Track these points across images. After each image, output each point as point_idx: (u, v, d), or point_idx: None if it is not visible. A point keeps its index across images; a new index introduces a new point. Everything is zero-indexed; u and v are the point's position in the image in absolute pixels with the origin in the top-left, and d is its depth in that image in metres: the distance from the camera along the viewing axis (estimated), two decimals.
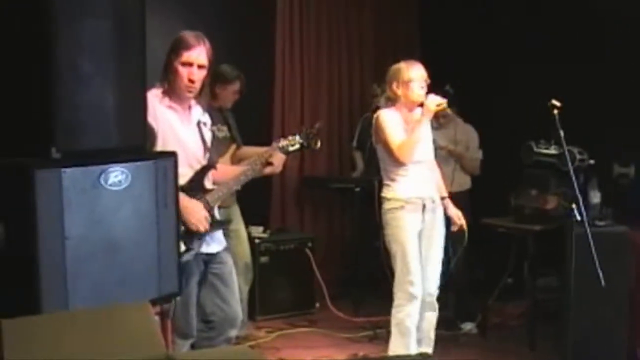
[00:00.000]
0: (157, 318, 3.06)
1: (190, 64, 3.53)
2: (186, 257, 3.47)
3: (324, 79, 6.87)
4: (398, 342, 4.32)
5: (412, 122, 4.35)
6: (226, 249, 3.80)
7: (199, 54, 3.54)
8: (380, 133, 4.36)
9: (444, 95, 4.39)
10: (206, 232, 3.56)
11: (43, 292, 2.63)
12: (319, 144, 4.02)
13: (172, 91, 3.59)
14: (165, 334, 3.29)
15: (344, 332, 5.52)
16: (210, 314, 3.71)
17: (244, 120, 5.48)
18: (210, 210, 3.61)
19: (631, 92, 5.34)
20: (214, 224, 3.65)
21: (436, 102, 4.30)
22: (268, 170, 3.85)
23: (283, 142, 3.89)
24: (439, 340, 4.58)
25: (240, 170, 3.81)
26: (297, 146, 3.91)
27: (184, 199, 3.38)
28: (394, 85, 4.39)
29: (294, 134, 3.95)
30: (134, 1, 3.03)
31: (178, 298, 3.39)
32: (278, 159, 3.85)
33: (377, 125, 4.38)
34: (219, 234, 3.74)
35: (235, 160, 5.02)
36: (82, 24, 2.81)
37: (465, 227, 4.52)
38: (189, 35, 3.57)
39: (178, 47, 3.54)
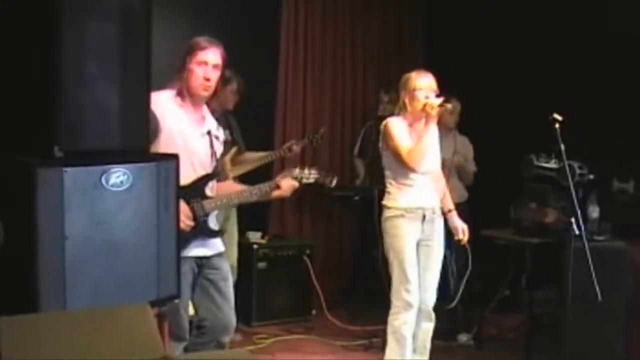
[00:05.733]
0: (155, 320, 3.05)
1: (205, 63, 3.61)
2: None
3: (328, 86, 6.87)
4: (394, 349, 4.32)
5: (418, 131, 4.35)
6: (221, 254, 3.79)
7: (214, 54, 3.64)
8: (389, 140, 4.36)
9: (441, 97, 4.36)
10: (193, 235, 3.57)
11: (41, 292, 2.63)
12: (334, 182, 4.07)
13: (186, 93, 3.65)
14: (162, 336, 3.28)
15: (339, 340, 5.52)
16: (203, 319, 3.72)
17: (245, 125, 5.51)
18: (204, 215, 3.62)
19: (632, 108, 5.35)
20: (205, 231, 3.66)
21: (433, 104, 4.26)
22: (276, 193, 3.87)
23: (299, 172, 3.92)
24: (434, 351, 4.57)
25: (246, 188, 3.84)
26: (311, 180, 3.95)
27: None
28: (402, 94, 4.41)
29: (311, 168, 3.99)
30: (140, 3, 3.03)
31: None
32: (286, 184, 3.86)
33: (386, 132, 4.38)
34: (215, 238, 3.75)
35: (236, 164, 5.03)
36: (88, 25, 2.82)
37: (466, 244, 4.53)
38: (202, 39, 3.67)
39: (193, 48, 3.64)
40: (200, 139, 3.68)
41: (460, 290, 4.81)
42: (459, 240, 4.51)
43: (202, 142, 3.68)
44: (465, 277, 4.71)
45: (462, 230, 4.51)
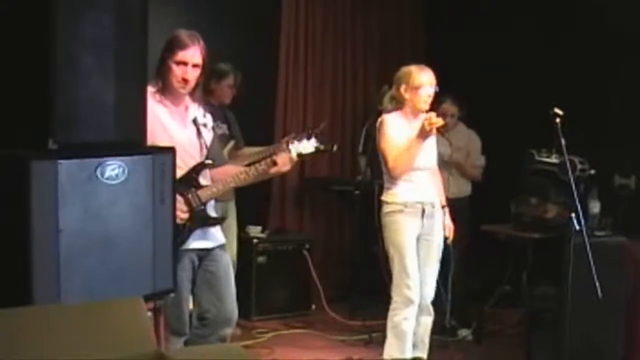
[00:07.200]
0: (149, 314, 3.04)
1: (184, 63, 3.54)
2: None
3: (328, 81, 6.87)
4: (393, 345, 4.31)
5: (415, 129, 4.30)
6: (223, 246, 3.77)
7: (193, 54, 3.55)
8: (382, 140, 4.33)
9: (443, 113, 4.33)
10: (193, 226, 3.54)
11: (35, 285, 2.61)
12: (335, 147, 3.96)
13: (165, 89, 3.60)
14: (157, 331, 3.27)
15: (339, 334, 5.51)
16: (205, 311, 3.69)
17: (245, 120, 5.49)
18: (202, 205, 3.58)
19: (634, 103, 5.32)
20: (205, 221, 3.62)
21: (432, 123, 4.12)
22: (274, 170, 3.70)
23: (295, 145, 3.76)
24: (433, 346, 4.56)
25: (242, 169, 3.74)
26: (310, 149, 3.79)
27: None
28: (402, 88, 4.34)
29: (306, 137, 3.82)
30: None
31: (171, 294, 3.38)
32: (282, 159, 3.70)
33: (380, 131, 4.36)
34: (215, 230, 3.71)
35: (233, 159, 5.00)
36: (84, 17, 2.81)
37: (449, 241, 4.50)
38: (183, 35, 3.58)
39: (173, 46, 3.56)
40: (184, 131, 3.62)
41: (449, 287, 4.77)
42: (445, 238, 4.50)
43: (188, 133, 3.63)
44: (451, 276, 4.68)
45: (448, 228, 4.49)
